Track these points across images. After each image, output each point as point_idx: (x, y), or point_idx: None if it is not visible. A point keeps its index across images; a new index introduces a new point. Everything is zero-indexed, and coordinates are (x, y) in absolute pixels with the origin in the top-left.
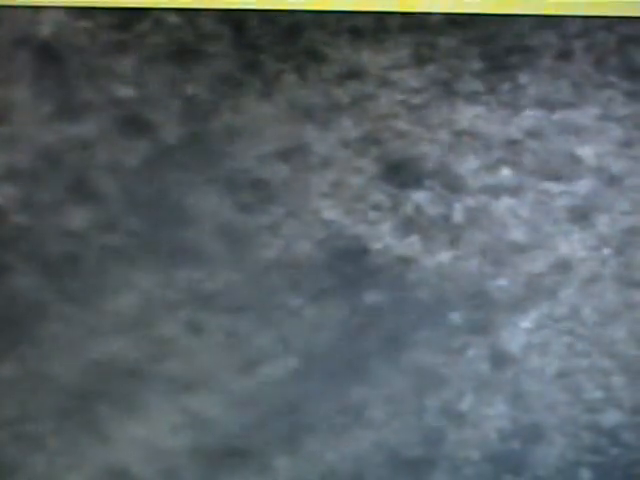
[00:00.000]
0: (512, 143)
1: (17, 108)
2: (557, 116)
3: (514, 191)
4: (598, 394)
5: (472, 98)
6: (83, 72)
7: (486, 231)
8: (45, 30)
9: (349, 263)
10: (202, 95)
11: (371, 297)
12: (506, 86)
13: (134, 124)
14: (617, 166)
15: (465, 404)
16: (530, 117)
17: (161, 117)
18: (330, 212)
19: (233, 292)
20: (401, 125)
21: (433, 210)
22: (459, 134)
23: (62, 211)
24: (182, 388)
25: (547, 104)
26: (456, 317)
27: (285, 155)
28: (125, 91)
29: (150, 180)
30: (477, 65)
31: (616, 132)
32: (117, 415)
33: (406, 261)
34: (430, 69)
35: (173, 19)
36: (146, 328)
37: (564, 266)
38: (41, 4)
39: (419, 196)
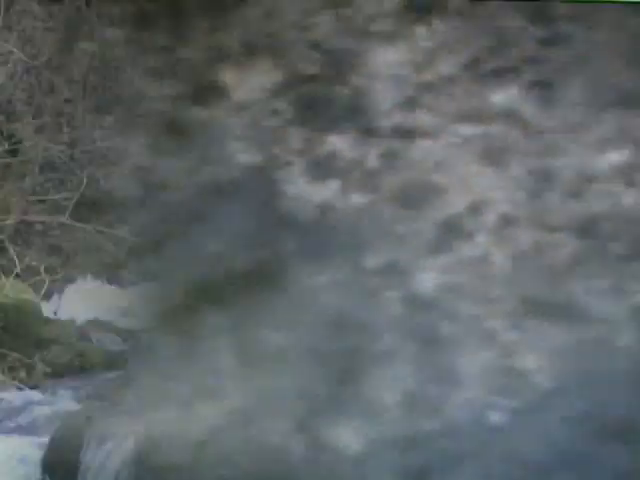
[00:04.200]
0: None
1: None
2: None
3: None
4: (511, 336)
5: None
6: None
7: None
8: None
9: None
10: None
11: (286, 241)
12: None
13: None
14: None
15: (380, 346)
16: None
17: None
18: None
19: (146, 235)
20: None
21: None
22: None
23: None
24: None
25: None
26: (371, 260)
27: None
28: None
29: (67, 122)
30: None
31: None
32: None
33: (321, 206)
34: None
35: None
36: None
37: (478, 209)
38: None
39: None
